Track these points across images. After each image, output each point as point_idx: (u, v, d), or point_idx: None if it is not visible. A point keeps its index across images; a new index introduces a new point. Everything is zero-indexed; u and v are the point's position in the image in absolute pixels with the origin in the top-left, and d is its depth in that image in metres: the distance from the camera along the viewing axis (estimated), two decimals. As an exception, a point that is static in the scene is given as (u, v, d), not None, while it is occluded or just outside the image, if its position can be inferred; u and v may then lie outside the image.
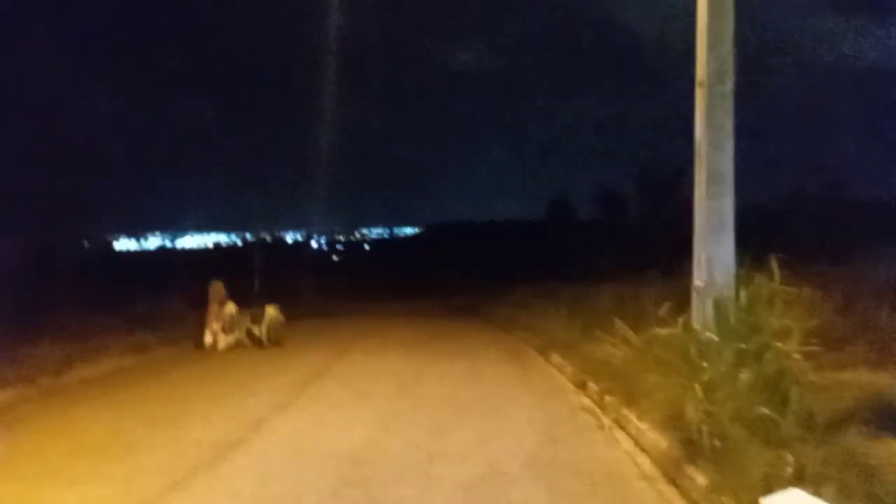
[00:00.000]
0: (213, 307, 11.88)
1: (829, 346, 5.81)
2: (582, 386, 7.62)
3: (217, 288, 12.15)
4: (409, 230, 46.54)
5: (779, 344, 4.15)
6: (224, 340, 11.63)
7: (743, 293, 4.72)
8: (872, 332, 6.88)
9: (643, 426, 5.30)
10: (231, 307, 11.88)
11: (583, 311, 11.12)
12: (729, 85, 5.23)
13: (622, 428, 5.84)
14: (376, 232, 47.12)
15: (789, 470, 3.41)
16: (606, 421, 6.19)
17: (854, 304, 7.69)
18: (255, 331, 11.76)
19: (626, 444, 5.48)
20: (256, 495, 4.34)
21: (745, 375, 4.08)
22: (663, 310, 5.36)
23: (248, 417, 6.36)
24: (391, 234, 47.13)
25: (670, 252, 7.62)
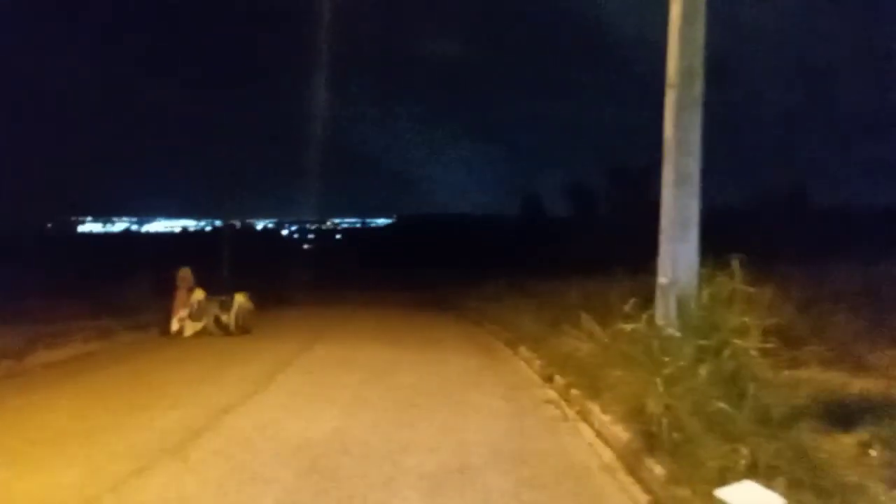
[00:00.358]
0: (181, 293, 11.76)
1: (789, 345, 5.99)
2: (549, 379, 7.73)
3: (185, 274, 12.02)
4: (381, 220, 46.49)
5: (737, 341, 4.28)
6: (191, 327, 11.52)
7: (705, 291, 4.86)
8: (830, 333, 7.11)
9: (606, 419, 5.41)
10: (199, 294, 11.77)
11: (552, 306, 11.24)
12: (698, 87, 5.35)
13: (586, 420, 5.95)
14: (348, 221, 46.97)
15: (743, 463, 3.52)
16: (571, 413, 6.30)
17: (814, 305, 7.93)
18: (223, 318, 11.67)
19: (588, 436, 5.59)
20: (221, 481, 4.34)
21: (703, 370, 4.20)
22: (629, 305, 5.47)
23: (215, 405, 6.33)
24: (363, 223, 47.01)
25: (640, 249, 7.78)
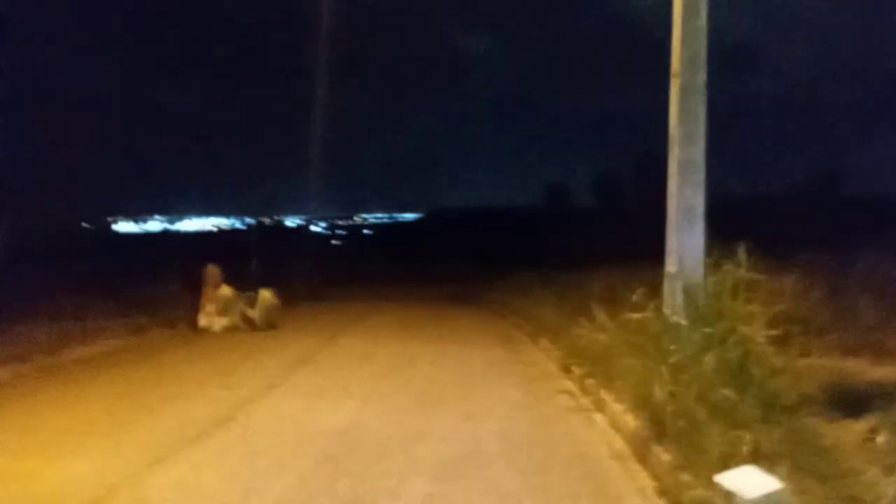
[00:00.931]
0: (209, 290, 12.03)
1: (811, 333, 5.95)
2: (566, 370, 7.76)
3: (212, 271, 12.29)
4: (409, 216, 46.72)
5: (744, 329, 4.27)
6: (219, 323, 11.78)
7: (712, 280, 4.85)
8: (854, 321, 7.01)
9: (618, 408, 5.44)
10: (226, 290, 12.03)
11: (575, 297, 11.23)
12: (702, 77, 5.33)
13: (599, 410, 5.98)
14: (377, 216, 47.31)
15: (746, 449, 3.53)
16: (585, 403, 6.34)
17: (840, 293, 7.82)
18: (250, 314, 11.91)
19: (602, 425, 5.63)
20: (238, 469, 4.48)
21: (709, 359, 4.20)
22: (637, 295, 5.48)
23: (237, 397, 6.50)
24: (392, 219, 47.28)
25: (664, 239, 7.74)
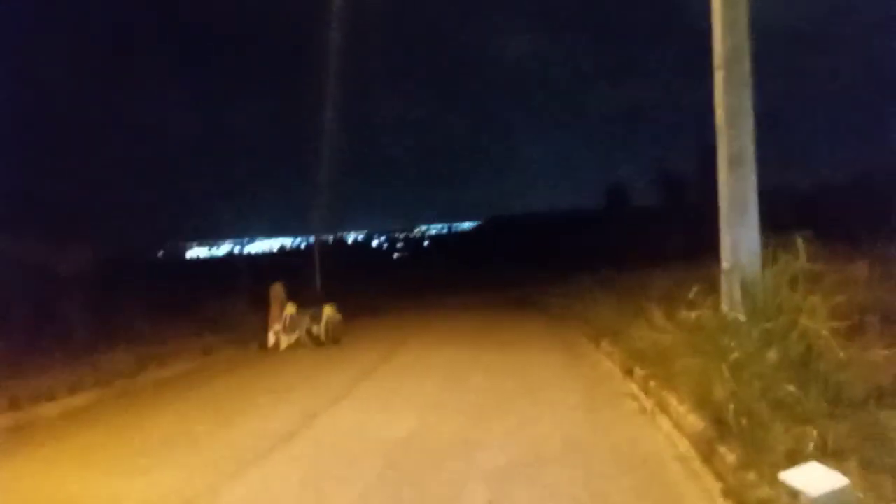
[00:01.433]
0: (275, 308, 12.42)
1: (878, 323, 5.68)
2: (629, 372, 7.65)
3: (277, 290, 12.69)
4: (467, 224, 46.86)
5: (806, 322, 4.15)
6: (285, 340, 12.15)
7: (769, 273, 4.72)
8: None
9: (682, 409, 5.34)
10: (291, 308, 12.38)
11: (635, 298, 11.05)
12: (746, 68, 5.21)
13: (664, 412, 5.88)
14: (436, 227, 47.63)
15: (812, 445, 3.44)
16: (649, 405, 6.23)
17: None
18: (314, 330, 12.22)
19: (666, 427, 5.53)
20: (306, 480, 4.65)
21: (771, 354, 4.10)
22: (694, 293, 5.38)
23: (304, 411, 6.71)
24: (450, 229, 47.51)
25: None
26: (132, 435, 6.18)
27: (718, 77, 5.30)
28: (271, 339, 12.20)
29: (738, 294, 4.89)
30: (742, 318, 4.59)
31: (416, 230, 48.01)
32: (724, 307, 5.04)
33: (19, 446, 6.01)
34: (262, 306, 12.91)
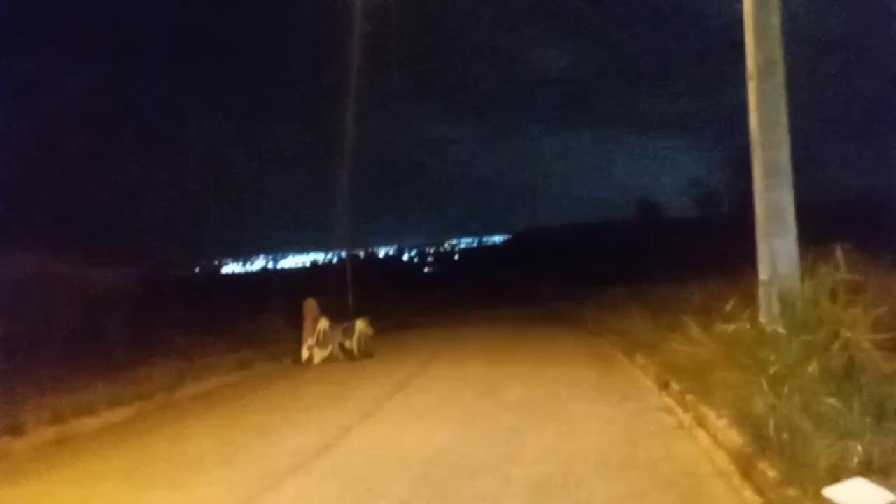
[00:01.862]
0: (308, 323, 12.56)
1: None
2: (664, 386, 7.54)
3: (311, 305, 12.83)
4: (497, 238, 46.78)
5: (847, 334, 4.05)
6: (319, 354, 12.25)
7: (808, 284, 4.62)
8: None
9: (721, 423, 5.24)
10: (324, 322, 12.50)
11: (670, 311, 10.91)
12: (779, 77, 5.14)
13: (702, 426, 5.77)
14: (466, 241, 47.66)
15: (857, 460, 3.35)
16: (686, 420, 6.13)
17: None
18: (347, 344, 12.31)
19: (704, 442, 5.43)
20: (341, 495, 4.66)
21: (811, 367, 4.00)
22: (731, 305, 5.29)
23: (338, 425, 6.74)
24: (480, 242, 47.50)
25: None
26: (171, 449, 6.28)
27: (752, 87, 5.25)
28: (305, 354, 12.32)
29: (776, 306, 4.79)
30: (781, 330, 4.50)
31: (447, 244, 48.10)
32: (763, 319, 4.94)
33: (62, 459, 6.15)
34: (295, 321, 13.06)
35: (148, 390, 8.72)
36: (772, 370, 4.19)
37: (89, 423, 7.36)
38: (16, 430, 6.58)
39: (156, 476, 5.38)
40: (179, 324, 13.19)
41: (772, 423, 3.91)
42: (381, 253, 43.41)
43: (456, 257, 46.48)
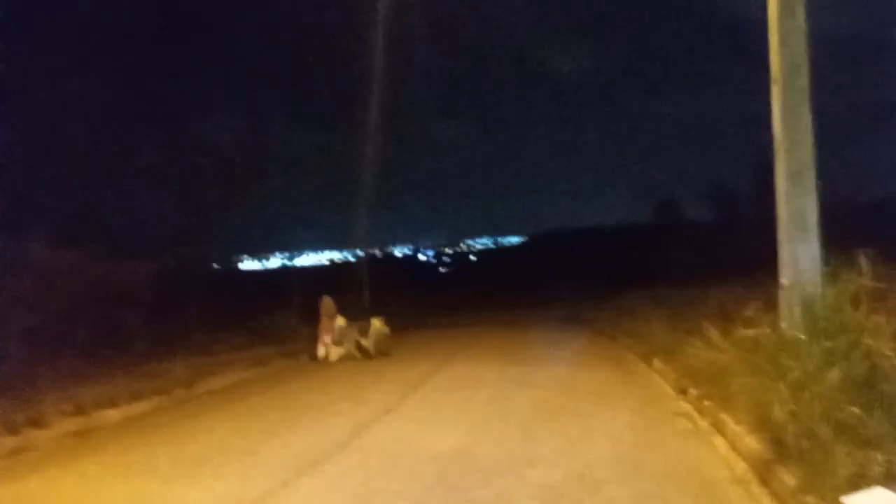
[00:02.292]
0: (325, 321, 12.63)
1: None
2: (682, 391, 7.50)
3: (327, 303, 12.90)
4: (513, 239, 46.71)
5: (869, 341, 4.00)
6: (335, 352, 12.32)
7: (830, 291, 4.57)
8: None
9: (739, 429, 5.20)
10: (341, 321, 12.57)
11: (688, 315, 10.83)
12: (804, 80, 5.09)
13: (719, 432, 5.74)
14: (481, 242, 47.60)
15: (878, 469, 3.31)
16: (704, 425, 6.10)
17: None
18: (364, 343, 12.37)
19: (722, 448, 5.40)
20: (358, 491, 4.69)
21: (832, 374, 3.97)
22: (751, 310, 5.26)
23: (354, 423, 6.78)
24: (496, 243, 47.43)
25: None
26: (189, 443, 6.36)
27: (775, 90, 5.20)
28: (321, 352, 12.39)
29: (797, 312, 4.75)
30: (802, 336, 4.46)
31: (463, 244, 48.09)
32: (783, 325, 4.90)
33: (84, 450, 6.25)
34: (312, 319, 13.15)
35: (166, 385, 8.83)
36: (792, 377, 4.15)
37: (109, 416, 7.47)
38: (38, 422, 6.71)
39: (174, 470, 5.44)
40: (198, 320, 13.36)
41: (791, 430, 3.88)
42: (397, 252, 43.53)
43: (472, 258, 46.47)
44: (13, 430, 6.42)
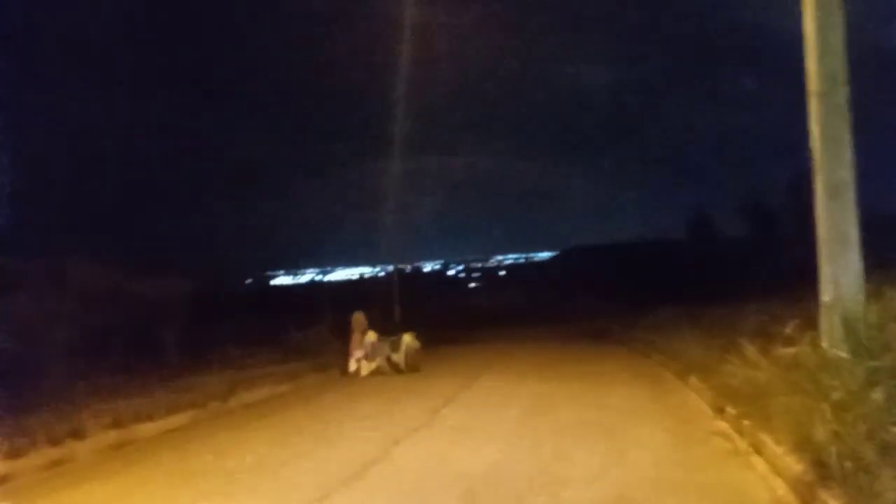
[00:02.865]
0: (356, 336, 12.72)
1: None
2: (720, 410, 7.33)
3: (359, 318, 12.99)
4: (544, 255, 46.45)
5: (917, 361, 3.89)
6: (366, 367, 12.38)
7: (872, 308, 4.46)
8: None
9: (779, 450, 5.07)
10: (372, 336, 12.64)
11: (725, 332, 10.63)
12: (843, 93, 4.99)
13: (759, 453, 5.60)
14: (512, 257, 47.46)
15: (927, 494, 3.20)
16: (743, 446, 5.95)
17: None
18: (394, 358, 12.40)
19: (761, 468, 5.26)
20: (390, 509, 4.69)
21: (877, 395, 3.85)
22: (791, 327, 5.14)
23: (386, 438, 6.78)
24: (526, 259, 47.23)
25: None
26: (223, 457, 6.43)
27: (814, 104, 5.11)
28: (353, 366, 12.46)
29: (839, 330, 4.63)
30: (844, 355, 4.34)
31: (492, 260, 47.99)
32: (825, 343, 4.78)
33: (122, 462, 6.38)
34: (343, 333, 13.26)
35: (202, 398, 8.96)
36: (834, 396, 4.04)
37: (146, 429, 7.60)
38: (78, 434, 6.86)
39: (209, 484, 5.50)
40: (232, 334, 13.56)
41: (834, 451, 3.78)
42: (427, 268, 43.64)
43: (501, 273, 46.31)
44: (55, 441, 6.58)
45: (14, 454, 6.12)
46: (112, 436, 7.14)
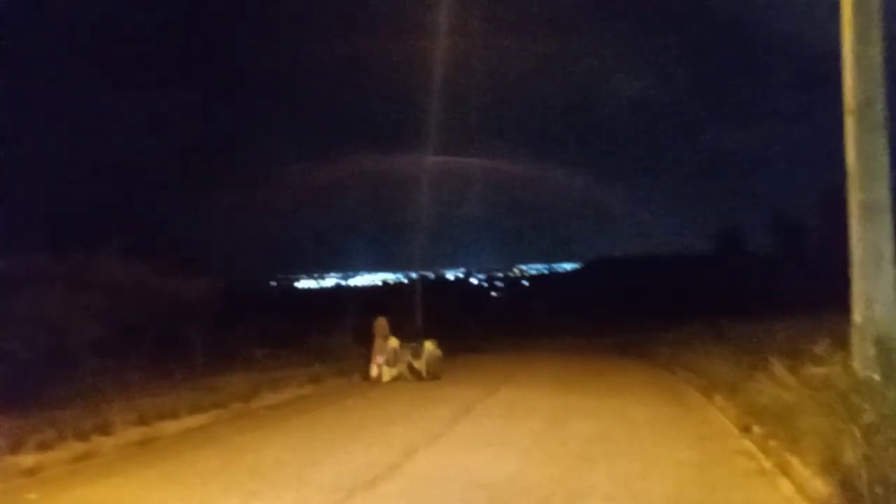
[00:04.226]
0: (378, 342, 12.75)
1: None
2: (745, 429, 7.21)
3: (381, 323, 13.03)
4: (568, 266, 46.16)
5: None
6: (388, 373, 12.41)
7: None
8: None
9: (807, 472, 4.97)
10: (394, 342, 12.67)
11: (752, 350, 10.46)
12: (880, 111, 4.90)
13: (784, 473, 5.49)
14: (535, 268, 47.21)
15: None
16: (768, 466, 5.85)
17: None
18: (416, 364, 12.42)
19: (787, 489, 5.16)
20: (409, 516, 4.68)
21: (910, 419, 3.77)
22: (821, 347, 5.04)
23: (406, 444, 6.78)
24: (550, 270, 46.97)
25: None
26: (245, 456, 6.48)
27: (850, 122, 5.02)
28: (374, 372, 12.49)
29: (871, 351, 4.53)
30: (877, 377, 4.25)
31: (515, 269, 47.78)
32: (856, 364, 4.68)
33: (145, 459, 6.46)
34: (364, 338, 13.30)
35: (225, 399, 9.05)
36: (865, 419, 3.96)
37: (170, 427, 7.69)
38: (104, 429, 6.97)
39: (230, 483, 5.54)
40: (256, 336, 13.69)
41: (864, 474, 3.69)
42: (450, 276, 43.62)
43: (524, 283, 46.09)
44: (82, 436, 6.69)
45: (43, 447, 6.24)
46: (137, 432, 7.24)
